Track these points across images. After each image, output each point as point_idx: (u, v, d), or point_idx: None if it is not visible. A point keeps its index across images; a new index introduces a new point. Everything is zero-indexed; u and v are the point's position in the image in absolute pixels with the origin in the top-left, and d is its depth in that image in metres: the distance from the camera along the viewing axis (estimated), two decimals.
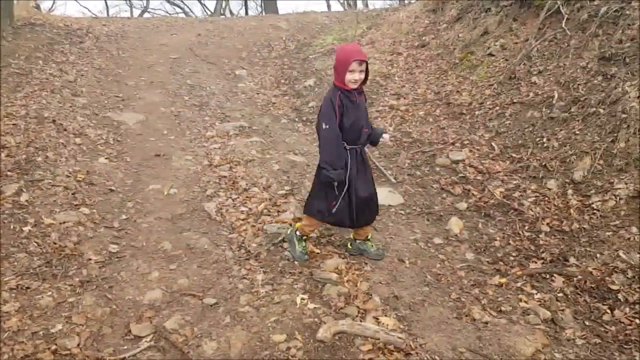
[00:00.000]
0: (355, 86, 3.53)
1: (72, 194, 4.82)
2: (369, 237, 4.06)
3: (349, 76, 3.47)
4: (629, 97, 5.07)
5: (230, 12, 30.10)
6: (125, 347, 3.10)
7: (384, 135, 3.85)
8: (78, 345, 3.07)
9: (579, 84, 5.83)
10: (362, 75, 3.53)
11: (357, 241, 4.07)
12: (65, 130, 6.11)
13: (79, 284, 3.63)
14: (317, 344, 3.08)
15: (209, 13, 29.21)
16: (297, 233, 4.00)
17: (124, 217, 4.64)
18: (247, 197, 5.05)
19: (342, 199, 3.68)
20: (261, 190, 5.19)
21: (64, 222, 4.32)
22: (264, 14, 22.63)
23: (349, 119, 3.57)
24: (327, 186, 3.66)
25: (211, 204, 4.88)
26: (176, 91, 8.45)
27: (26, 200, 4.50)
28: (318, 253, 4.07)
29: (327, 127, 3.53)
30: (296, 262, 3.94)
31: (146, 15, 28.12)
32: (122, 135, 6.51)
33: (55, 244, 4.03)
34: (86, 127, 6.41)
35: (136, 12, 29.37)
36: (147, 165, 5.74)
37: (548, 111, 5.82)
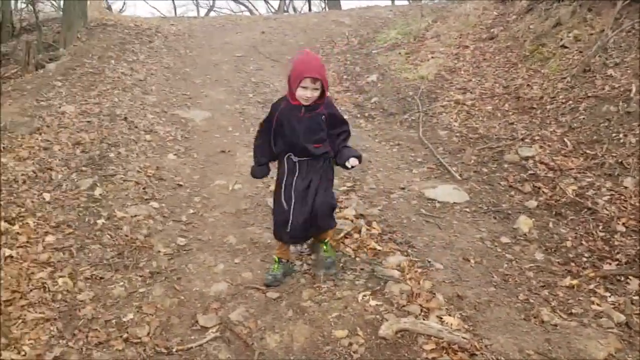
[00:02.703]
0: (306, 103, 3.29)
1: (143, 188, 5.00)
2: (326, 241, 3.77)
3: (300, 92, 3.23)
4: None
5: (294, 9, 30.33)
6: (193, 337, 3.19)
7: (350, 160, 3.37)
8: (148, 334, 3.19)
9: None
10: (316, 93, 3.25)
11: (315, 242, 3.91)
12: (136, 127, 6.35)
13: (149, 275, 3.76)
14: (379, 341, 3.06)
15: (272, 10, 29.58)
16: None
17: (191, 211, 4.77)
18: None
19: (277, 213, 3.60)
20: None
21: (135, 216, 4.49)
22: (327, 10, 22.67)
23: (286, 133, 3.41)
24: None
25: None
26: (240, 88, 8.59)
27: (100, 194, 4.72)
28: (380, 250, 4.03)
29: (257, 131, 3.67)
30: (357, 259, 3.92)
31: (212, 14, 28.79)
32: (190, 132, 6.70)
33: (126, 236, 4.20)
34: (156, 124, 6.64)
35: (202, 12, 30.18)
36: (212, 161, 5.88)
37: (625, 105, 5.52)
